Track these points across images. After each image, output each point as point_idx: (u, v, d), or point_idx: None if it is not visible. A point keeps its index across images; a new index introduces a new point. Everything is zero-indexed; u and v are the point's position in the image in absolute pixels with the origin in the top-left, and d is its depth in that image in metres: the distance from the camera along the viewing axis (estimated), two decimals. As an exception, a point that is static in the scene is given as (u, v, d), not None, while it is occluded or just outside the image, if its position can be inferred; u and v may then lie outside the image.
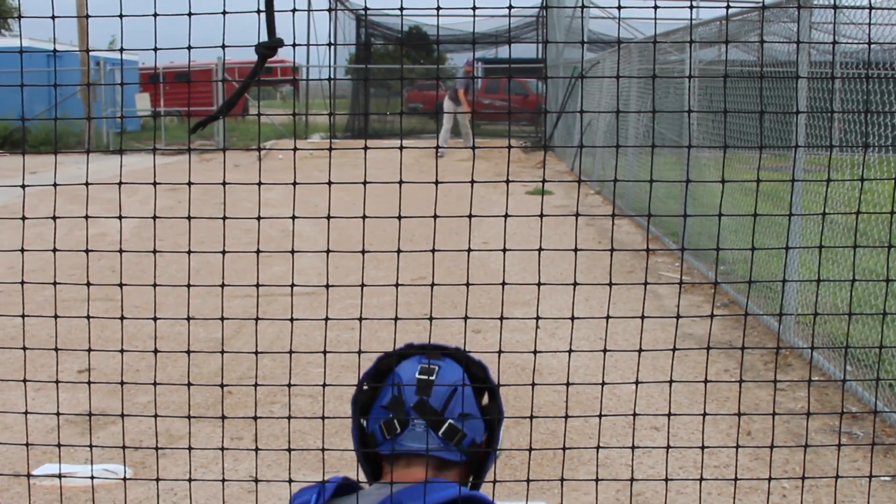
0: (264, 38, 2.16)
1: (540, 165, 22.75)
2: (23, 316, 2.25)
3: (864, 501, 5.69)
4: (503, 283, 2.11)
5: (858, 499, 5.71)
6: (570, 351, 1.97)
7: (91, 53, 30.30)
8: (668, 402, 2.10)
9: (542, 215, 2.07)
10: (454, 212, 2.23)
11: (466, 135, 28.13)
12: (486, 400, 2.37)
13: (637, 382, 2.05)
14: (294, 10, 2.08)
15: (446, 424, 2.24)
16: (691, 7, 2.37)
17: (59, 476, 5.15)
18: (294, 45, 2.15)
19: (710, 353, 2.14)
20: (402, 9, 2.09)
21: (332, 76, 28.37)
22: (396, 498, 2.12)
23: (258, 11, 2.10)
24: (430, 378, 2.27)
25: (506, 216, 2.13)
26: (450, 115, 26.83)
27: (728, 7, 2.39)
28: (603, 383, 1.99)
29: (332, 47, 31.53)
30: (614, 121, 18.01)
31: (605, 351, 2.08)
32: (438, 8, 2.04)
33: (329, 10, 20.19)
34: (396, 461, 2.26)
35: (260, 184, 2.10)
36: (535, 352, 2.02)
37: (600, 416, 2.02)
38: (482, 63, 32.97)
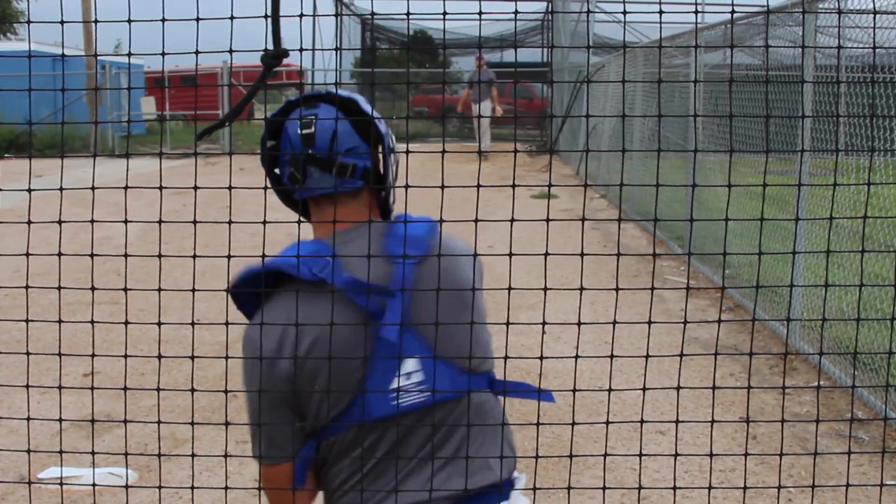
0: (270, 44, 2.16)
1: (545, 169, 22.76)
2: (27, 321, 2.25)
3: (869, 506, 5.68)
4: (509, 288, 2.10)
5: (864, 502, 5.70)
6: (576, 357, 1.96)
7: (95, 59, 30.34)
8: (676, 408, 2.10)
9: (548, 220, 2.07)
10: (460, 215, 2.24)
11: (485, 133, 28.10)
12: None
13: (644, 389, 2.04)
14: (301, 16, 2.07)
15: (336, 164, 2.55)
16: (696, 11, 2.36)
17: (61, 483, 5.15)
18: (301, 50, 2.15)
19: (715, 358, 2.14)
20: (408, 13, 2.09)
21: (337, 80, 28.33)
22: (400, 231, 2.53)
23: (265, 17, 2.10)
24: (311, 130, 2.55)
25: (512, 220, 2.12)
26: (485, 116, 26.89)
27: (733, 11, 2.39)
28: (610, 389, 1.99)
29: (339, 52, 31.55)
30: (619, 125, 18.00)
31: (612, 357, 2.07)
32: (445, 13, 2.04)
33: (336, 15, 20.23)
34: (318, 201, 2.63)
35: (266, 187, 2.10)
36: (541, 357, 2.01)
37: (608, 422, 2.02)
38: (467, 72, 32.95)
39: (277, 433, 2.53)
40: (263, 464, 2.54)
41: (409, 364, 2.47)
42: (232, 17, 2.10)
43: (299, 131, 2.56)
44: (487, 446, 2.55)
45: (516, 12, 2.16)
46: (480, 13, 2.06)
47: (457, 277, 2.55)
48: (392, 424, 2.50)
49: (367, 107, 2.65)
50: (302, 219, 2.70)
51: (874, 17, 2.54)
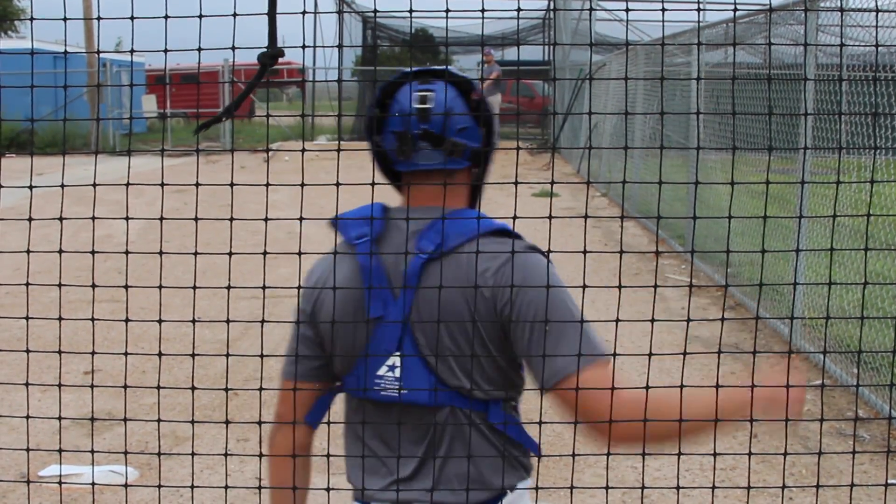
0: (276, 41, 2.16)
1: (546, 168, 22.75)
2: (27, 318, 2.25)
3: (870, 504, 5.68)
4: (511, 286, 2.09)
5: (864, 501, 5.70)
6: (578, 355, 1.96)
7: (97, 56, 30.32)
8: (680, 408, 2.10)
9: (550, 217, 2.06)
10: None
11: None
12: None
13: (647, 387, 2.03)
14: (304, 13, 2.07)
15: (448, 143, 2.57)
16: (699, 10, 2.35)
17: (60, 482, 5.14)
18: (303, 47, 2.14)
19: (719, 356, 2.14)
20: (410, 10, 2.08)
21: (339, 78, 28.34)
22: (439, 225, 2.51)
23: (267, 14, 2.10)
24: (428, 106, 2.56)
25: (514, 217, 2.12)
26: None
27: (735, 10, 2.38)
28: (612, 388, 1.98)
29: (340, 49, 31.55)
30: (620, 123, 17.99)
31: (614, 355, 2.07)
32: (447, 10, 2.03)
33: (338, 13, 20.16)
34: (414, 174, 2.62)
35: (268, 185, 2.10)
36: (543, 356, 2.00)
37: (610, 421, 2.01)
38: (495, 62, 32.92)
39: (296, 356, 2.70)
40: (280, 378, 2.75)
41: (395, 358, 2.54)
42: (235, 15, 2.10)
43: (416, 105, 2.57)
44: (461, 466, 2.56)
45: (518, 10, 2.15)
46: (483, 10, 2.05)
47: (467, 283, 2.50)
48: (366, 406, 2.62)
49: (482, 89, 2.68)
50: (382, 181, 2.72)
51: (876, 16, 2.54)
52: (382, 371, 2.55)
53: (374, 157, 2.71)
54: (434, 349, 2.50)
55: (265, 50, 2.20)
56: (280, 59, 2.30)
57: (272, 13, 2.13)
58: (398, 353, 2.52)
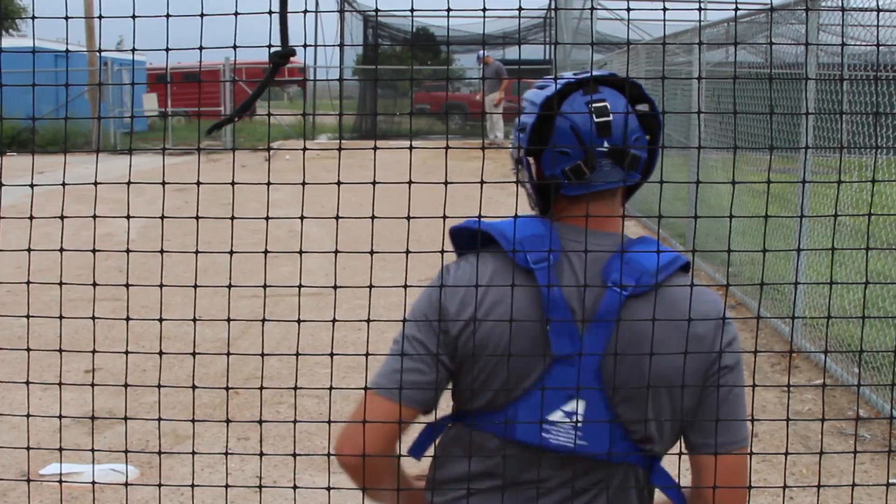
0: (275, 40, 2.15)
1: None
2: (28, 316, 2.25)
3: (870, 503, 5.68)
4: (512, 285, 2.09)
5: (865, 501, 5.70)
6: (580, 354, 1.96)
7: (98, 55, 30.32)
8: (681, 408, 2.09)
9: (551, 216, 2.06)
10: (462, 212, 2.22)
11: (497, 123, 28.14)
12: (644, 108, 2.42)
13: (648, 387, 2.03)
14: (305, 12, 2.07)
15: (629, 157, 2.31)
16: (700, 9, 2.35)
17: (60, 481, 5.14)
18: (305, 46, 2.14)
19: (720, 356, 2.14)
20: (412, 10, 2.08)
21: (341, 77, 28.31)
22: (627, 255, 2.26)
23: (269, 13, 2.09)
24: (608, 118, 2.28)
25: (515, 217, 2.11)
26: (493, 107, 26.96)
27: (736, 9, 2.38)
28: (614, 388, 1.98)
29: (341, 48, 31.55)
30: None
31: (615, 354, 2.06)
32: (449, 9, 2.03)
33: (339, 12, 20.15)
34: (577, 199, 2.34)
35: (269, 183, 2.10)
36: (544, 355, 2.00)
37: (610, 421, 2.01)
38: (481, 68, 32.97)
39: (408, 372, 2.33)
40: (369, 390, 2.33)
41: (574, 402, 2.24)
42: (236, 14, 2.10)
43: (595, 118, 2.28)
44: None
45: (520, 9, 2.14)
46: (484, 10, 2.05)
47: (681, 331, 2.26)
48: (526, 453, 2.29)
49: (647, 92, 2.42)
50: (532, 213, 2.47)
51: (877, 16, 2.54)
52: (556, 416, 2.24)
53: (529, 179, 2.42)
54: (629, 396, 2.23)
55: (277, 48, 2.18)
56: (287, 65, 2.27)
57: (283, 12, 2.12)
58: (580, 398, 2.23)
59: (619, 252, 2.27)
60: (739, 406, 2.33)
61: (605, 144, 2.28)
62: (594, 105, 2.30)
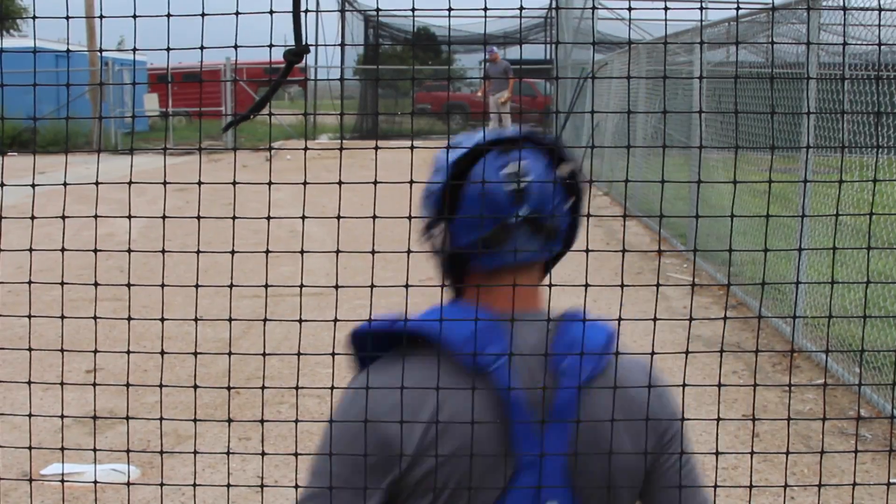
0: (276, 40, 2.15)
1: (548, 166, 22.73)
2: (29, 316, 2.25)
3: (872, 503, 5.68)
4: (514, 285, 2.09)
5: (867, 501, 5.70)
6: (581, 353, 1.96)
7: (99, 55, 30.34)
8: (682, 407, 2.09)
9: (552, 215, 2.06)
10: (463, 213, 2.20)
11: (502, 125, 28.21)
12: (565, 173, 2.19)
13: (650, 386, 2.03)
14: (307, 11, 2.07)
15: (547, 226, 2.09)
16: (701, 8, 2.35)
17: (62, 480, 5.15)
18: (305, 45, 2.14)
19: (721, 355, 2.13)
20: (413, 9, 2.08)
21: (342, 76, 28.30)
22: (571, 339, 2.03)
23: (270, 12, 2.09)
24: (524, 185, 2.05)
25: (516, 217, 2.11)
26: (500, 106, 27.07)
27: (738, 7, 2.38)
28: (615, 387, 1.98)
29: (342, 48, 31.56)
30: (622, 122, 17.98)
31: (616, 354, 2.06)
32: (450, 9, 2.03)
33: (340, 11, 20.14)
34: (491, 274, 2.10)
35: (270, 183, 2.10)
36: (545, 354, 2.00)
37: (612, 420, 2.01)
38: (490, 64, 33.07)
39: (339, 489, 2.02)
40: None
41: None
42: (237, 13, 2.10)
43: (507, 187, 2.05)
44: None
45: (522, 8, 2.14)
46: (486, 9, 2.05)
47: (630, 412, 2.09)
48: None
49: (569, 153, 2.20)
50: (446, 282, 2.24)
51: (879, 15, 2.54)
52: None
53: (435, 251, 2.20)
54: (598, 495, 2.05)
55: (291, 47, 2.16)
56: (301, 63, 2.25)
57: (296, 10, 2.11)
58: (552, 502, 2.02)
59: (558, 334, 2.06)
60: (698, 472, 2.21)
61: (521, 212, 2.06)
62: (507, 169, 2.07)
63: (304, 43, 2.13)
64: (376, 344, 2.09)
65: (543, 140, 2.16)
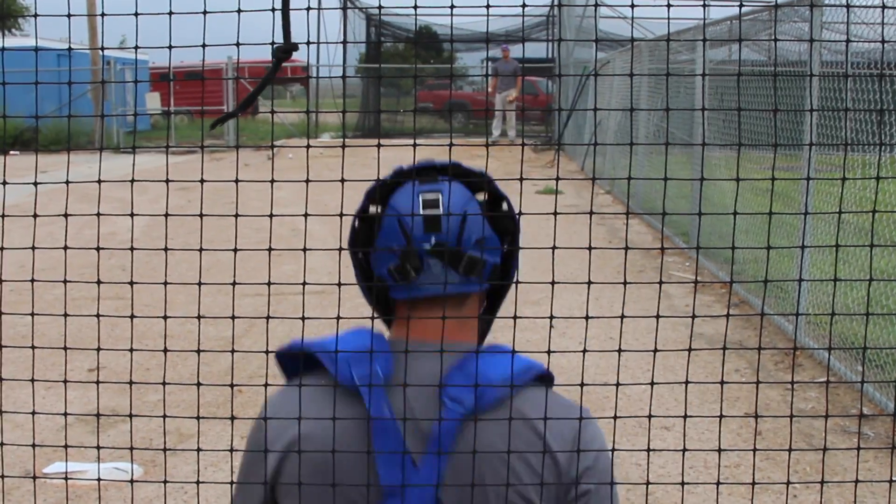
0: (278, 38, 2.15)
1: (550, 165, 22.75)
2: (32, 314, 2.25)
3: (874, 502, 5.68)
4: (516, 282, 2.09)
5: (869, 499, 5.70)
6: (584, 351, 1.96)
7: (101, 53, 30.35)
8: (685, 403, 2.08)
9: (555, 213, 2.06)
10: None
11: (508, 123, 28.31)
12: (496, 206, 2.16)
13: (652, 383, 2.03)
14: (308, 9, 2.07)
15: (465, 259, 2.03)
16: (704, 5, 2.35)
17: (66, 477, 5.15)
18: (308, 43, 2.14)
19: (724, 352, 2.13)
20: (415, 6, 2.08)
21: (344, 74, 28.32)
22: (468, 369, 1.96)
23: (272, 10, 2.09)
24: (438, 211, 2.01)
25: (519, 213, 2.11)
26: (507, 104, 27.18)
27: (741, 5, 2.37)
28: (618, 384, 1.97)
29: (344, 46, 31.55)
30: (625, 120, 17.99)
31: (619, 351, 2.06)
32: (452, 6, 2.03)
33: (342, 9, 20.10)
34: (416, 305, 2.06)
35: (273, 181, 2.09)
36: (549, 352, 2.00)
37: (615, 417, 2.00)
38: (492, 63, 33.09)
39: None
40: None
41: None
42: (239, 11, 2.10)
43: (421, 210, 2.02)
44: None
45: (524, 6, 2.14)
46: (488, 6, 2.05)
47: (528, 447, 1.97)
48: None
49: (501, 189, 2.16)
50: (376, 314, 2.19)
51: (882, 12, 2.53)
52: None
53: (360, 281, 2.20)
54: None
55: (279, 44, 2.16)
56: (290, 59, 2.24)
57: (286, 7, 2.11)
58: None
59: (456, 366, 1.99)
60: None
61: (432, 241, 2.02)
62: (423, 196, 2.04)
63: (292, 40, 2.12)
64: (297, 364, 2.08)
65: (472, 171, 2.12)
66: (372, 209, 2.12)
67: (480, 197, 2.11)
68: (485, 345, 2.13)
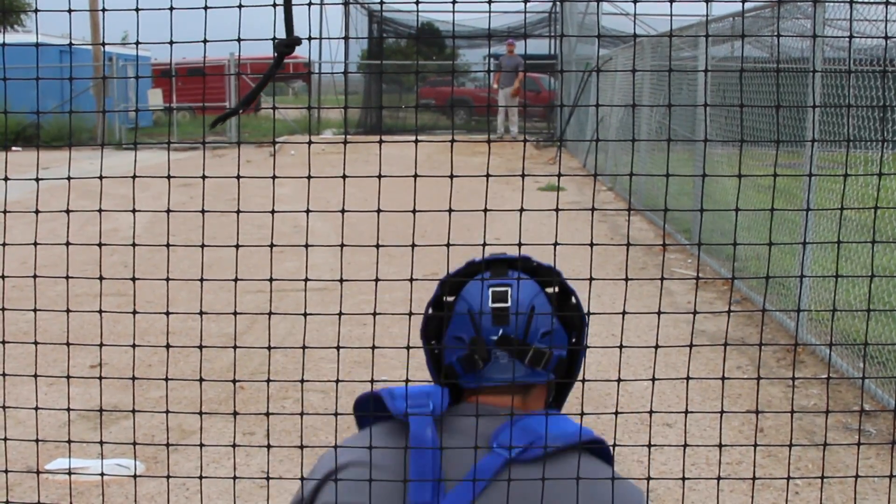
0: (280, 32, 2.14)
1: (552, 162, 22.75)
2: (34, 310, 2.25)
3: (876, 499, 5.68)
4: (518, 279, 2.09)
5: (871, 496, 5.70)
6: (585, 347, 1.96)
7: (103, 49, 30.36)
8: (686, 400, 2.08)
9: (557, 210, 2.06)
10: (468, 207, 2.20)
11: (510, 120, 28.30)
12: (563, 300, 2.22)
13: (654, 379, 2.03)
14: (310, 4, 2.07)
15: (531, 352, 2.08)
16: (707, 1, 2.36)
17: (69, 472, 5.14)
18: (310, 39, 2.13)
19: (725, 348, 2.13)
20: (417, 2, 2.07)
21: (346, 70, 28.29)
22: (522, 422, 2.02)
23: (274, 5, 2.09)
24: (506, 305, 2.08)
25: (521, 210, 2.11)
26: (509, 100, 27.22)
27: (744, 1, 2.37)
28: (619, 380, 1.97)
29: (346, 42, 31.56)
30: (627, 118, 17.98)
31: (620, 347, 2.06)
32: (454, 2, 2.03)
33: (344, 4, 20.09)
34: (482, 389, 2.12)
35: (274, 177, 2.09)
36: (550, 348, 2.00)
37: (616, 413, 2.00)
38: (494, 59, 33.12)
39: None
40: None
41: None
42: (241, 6, 2.10)
43: (490, 303, 2.09)
44: None
45: (526, 2, 2.14)
46: (490, 2, 2.05)
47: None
48: None
49: (570, 285, 2.21)
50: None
51: (885, 8, 2.53)
52: None
53: (432, 368, 2.25)
54: None
55: (281, 38, 2.15)
56: (292, 54, 2.23)
57: (288, 2, 2.10)
58: None
59: (515, 419, 2.04)
60: None
61: (500, 334, 2.08)
62: (493, 290, 2.11)
63: (294, 34, 2.12)
64: (376, 409, 2.14)
65: (542, 267, 2.20)
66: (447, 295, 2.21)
67: (551, 290, 2.18)
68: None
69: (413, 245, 2.08)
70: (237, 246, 2.05)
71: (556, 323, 2.13)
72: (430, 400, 2.07)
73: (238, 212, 2.06)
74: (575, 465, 1.97)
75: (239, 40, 2.14)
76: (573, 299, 2.20)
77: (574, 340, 2.20)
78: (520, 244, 2.06)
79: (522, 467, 1.97)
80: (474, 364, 2.09)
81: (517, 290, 2.10)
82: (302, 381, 2.00)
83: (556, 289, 2.19)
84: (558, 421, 2.04)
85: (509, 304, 2.08)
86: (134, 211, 2.11)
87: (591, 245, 2.07)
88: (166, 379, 2.10)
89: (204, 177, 2.08)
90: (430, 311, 2.23)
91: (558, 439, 2.00)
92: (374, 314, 2.07)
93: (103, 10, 2.16)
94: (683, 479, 2.03)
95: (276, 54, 2.12)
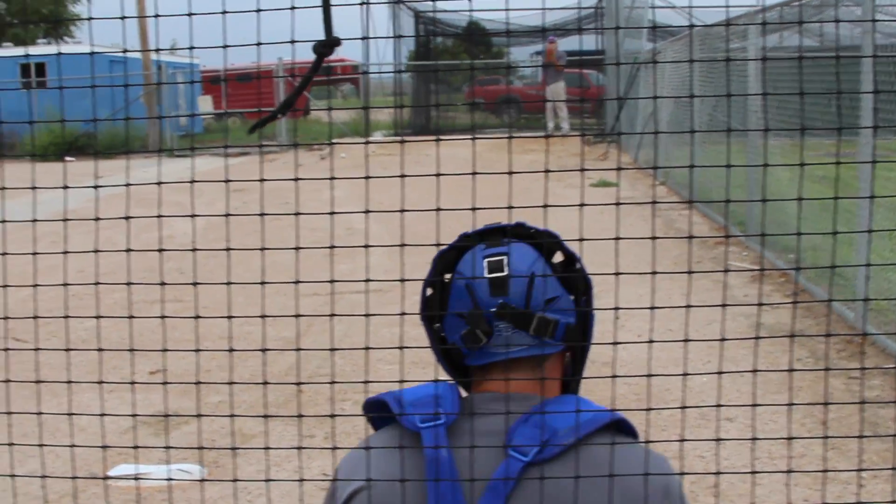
0: (322, 35, 2.13)
1: (603, 158, 22.68)
2: (97, 317, 2.26)
3: (943, 490, 5.61)
4: (582, 275, 2.07)
5: (938, 487, 5.63)
6: (650, 341, 1.93)
7: (152, 58, 30.60)
8: (753, 393, 2.06)
9: (618, 203, 2.04)
10: (520, 202, 2.17)
11: (560, 116, 28.31)
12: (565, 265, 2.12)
13: (720, 372, 2.01)
14: (362, 3, 2.06)
15: (535, 320, 1.97)
16: (759, -9, 2.32)
17: (136, 478, 5.19)
18: (362, 38, 2.13)
19: (781, 342, 2.10)
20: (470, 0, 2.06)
21: (395, 70, 28.36)
22: (535, 418, 1.92)
23: (323, 6, 2.09)
24: (503, 273, 1.98)
25: (581, 205, 2.09)
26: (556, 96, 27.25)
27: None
28: (685, 374, 1.95)
29: (394, 41, 31.66)
30: (677, 111, 17.90)
31: (686, 341, 2.04)
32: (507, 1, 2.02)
33: (393, 2, 20.10)
34: (492, 369, 2.01)
35: (332, 178, 2.09)
36: (615, 343, 1.98)
37: (683, 407, 1.98)
38: (542, 57, 33.05)
39: None
40: None
41: None
42: (293, 8, 2.09)
43: (486, 273, 2.00)
44: None
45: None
46: (543, -2, 2.04)
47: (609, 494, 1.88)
48: None
49: (569, 247, 2.12)
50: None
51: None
52: None
53: (436, 351, 2.15)
54: None
55: (320, 39, 2.13)
56: (334, 56, 2.22)
57: (326, 2, 2.09)
58: None
59: (522, 418, 1.93)
60: None
61: (497, 303, 1.97)
62: (488, 259, 2.01)
63: (333, 34, 2.10)
64: (381, 418, 2.08)
65: (537, 231, 2.10)
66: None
67: (559, 257, 2.09)
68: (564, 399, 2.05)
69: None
70: (297, 248, 2.04)
71: (560, 288, 2.03)
72: (440, 404, 1.97)
73: (297, 214, 2.06)
74: (596, 451, 1.91)
75: (293, 42, 2.13)
76: (577, 265, 2.11)
77: (580, 305, 2.09)
78: (581, 239, 2.04)
79: (543, 466, 1.89)
80: (476, 339, 1.98)
81: (515, 258, 2.01)
82: (366, 381, 2.00)
83: (559, 253, 2.10)
84: (574, 406, 1.93)
85: (506, 272, 1.99)
86: (193, 216, 2.11)
87: (653, 238, 2.05)
88: (230, 383, 2.10)
89: (262, 179, 2.08)
90: (427, 290, 2.14)
91: (579, 430, 1.90)
92: (433, 315, 2.06)
93: (156, 15, 2.16)
94: (753, 472, 2.01)
95: (316, 56, 2.10)
